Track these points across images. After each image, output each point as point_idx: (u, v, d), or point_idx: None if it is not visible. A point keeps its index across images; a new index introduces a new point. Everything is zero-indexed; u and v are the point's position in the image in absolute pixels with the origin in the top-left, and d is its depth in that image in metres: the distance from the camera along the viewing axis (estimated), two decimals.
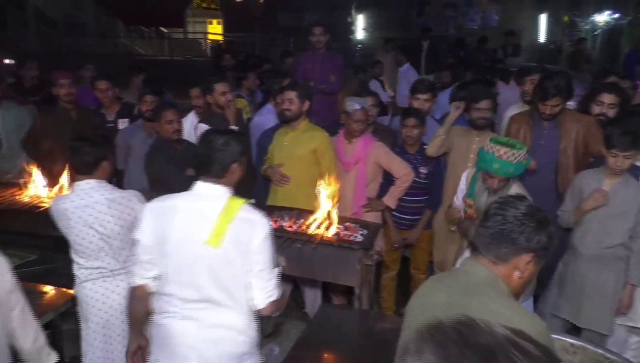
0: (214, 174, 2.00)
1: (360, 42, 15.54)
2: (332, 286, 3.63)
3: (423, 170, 3.55)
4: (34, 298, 2.66)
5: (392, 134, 3.91)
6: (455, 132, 3.49)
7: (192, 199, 1.99)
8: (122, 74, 5.76)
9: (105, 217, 2.51)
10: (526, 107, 3.90)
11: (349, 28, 15.50)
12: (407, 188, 3.49)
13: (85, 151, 2.54)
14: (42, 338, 2.00)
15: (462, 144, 3.48)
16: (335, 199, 3.13)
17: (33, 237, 3.63)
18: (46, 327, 2.56)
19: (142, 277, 2.02)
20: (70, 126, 4.12)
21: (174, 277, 1.97)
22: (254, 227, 1.96)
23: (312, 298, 3.68)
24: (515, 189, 2.73)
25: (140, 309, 2.07)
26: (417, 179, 3.53)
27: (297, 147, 3.53)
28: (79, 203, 2.50)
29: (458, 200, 3.07)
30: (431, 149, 3.48)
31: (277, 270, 2.06)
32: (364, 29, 15.90)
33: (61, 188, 3.55)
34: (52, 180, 3.67)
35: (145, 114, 4.08)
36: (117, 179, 4.39)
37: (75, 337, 3.22)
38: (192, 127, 3.93)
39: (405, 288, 3.93)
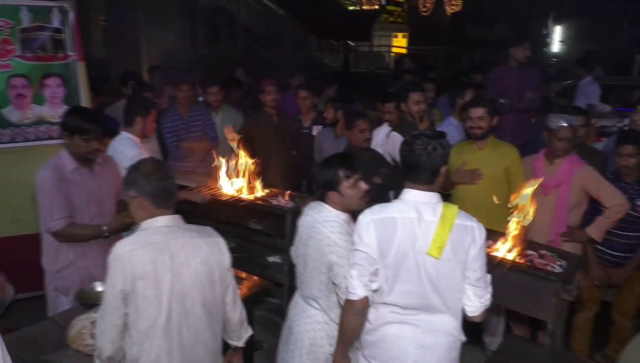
0: (425, 180, 2.02)
1: (555, 55, 14.30)
2: (514, 315, 3.36)
3: None
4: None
5: (602, 158, 3.49)
6: None
7: (408, 209, 2.00)
8: (315, 85, 6.13)
9: (308, 239, 2.39)
10: None
11: (543, 40, 14.38)
12: (618, 220, 3.06)
13: (319, 170, 2.40)
14: (244, 312, 2.20)
15: None
16: (530, 223, 2.90)
17: (234, 226, 4.04)
18: None
19: (367, 289, 2.01)
20: (272, 130, 4.52)
21: (395, 287, 2.01)
22: (471, 234, 1.99)
23: (494, 326, 3.43)
24: None
25: (357, 323, 2.08)
26: (632, 211, 3.08)
27: (487, 166, 3.34)
28: (309, 218, 2.42)
29: None
30: None
31: (490, 276, 2.08)
32: (561, 41, 14.60)
33: (255, 186, 3.90)
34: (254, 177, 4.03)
35: (326, 121, 4.32)
36: (307, 182, 4.71)
37: (266, 323, 3.51)
38: (385, 138, 4.01)
39: (602, 332, 3.46)
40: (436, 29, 16.29)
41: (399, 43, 19.36)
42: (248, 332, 2.26)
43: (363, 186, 2.37)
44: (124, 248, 1.89)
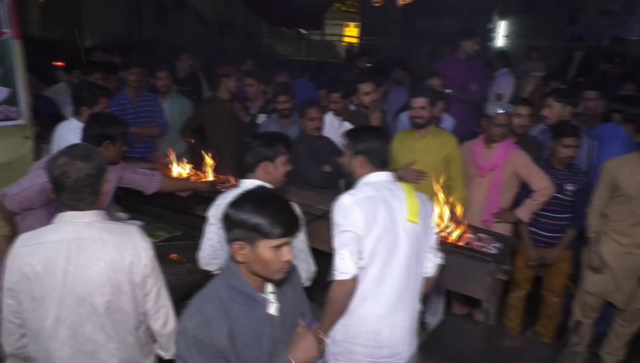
0: (387, 165, 2.31)
1: (500, 49, 14.78)
2: (455, 294, 3.52)
3: (569, 187, 3.30)
4: (176, 268, 2.91)
5: (538, 147, 3.68)
6: (625, 161, 3.13)
7: (380, 187, 2.20)
8: (266, 72, 6.09)
9: None
10: None
11: (488, 34, 14.82)
12: (544, 202, 3.28)
13: (258, 143, 2.43)
14: (171, 324, 1.99)
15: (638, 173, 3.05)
16: (463, 207, 3.10)
17: (181, 214, 3.98)
18: (186, 297, 2.74)
19: (357, 267, 2.10)
20: (225, 116, 4.47)
21: (376, 259, 2.14)
22: (428, 203, 2.33)
23: (434, 306, 3.59)
24: None
25: (348, 302, 2.15)
26: (560, 196, 3.30)
27: (429, 154, 3.45)
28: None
29: None
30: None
31: None
32: (505, 36, 15.10)
33: (205, 173, 3.87)
34: (202, 164, 3.99)
35: (280, 113, 4.26)
36: None
37: None
38: (330, 125, 4.05)
39: (532, 309, 3.68)
40: (388, 20, 16.45)
41: (351, 33, 19.44)
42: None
43: (289, 167, 2.50)
44: (16, 245, 1.79)
